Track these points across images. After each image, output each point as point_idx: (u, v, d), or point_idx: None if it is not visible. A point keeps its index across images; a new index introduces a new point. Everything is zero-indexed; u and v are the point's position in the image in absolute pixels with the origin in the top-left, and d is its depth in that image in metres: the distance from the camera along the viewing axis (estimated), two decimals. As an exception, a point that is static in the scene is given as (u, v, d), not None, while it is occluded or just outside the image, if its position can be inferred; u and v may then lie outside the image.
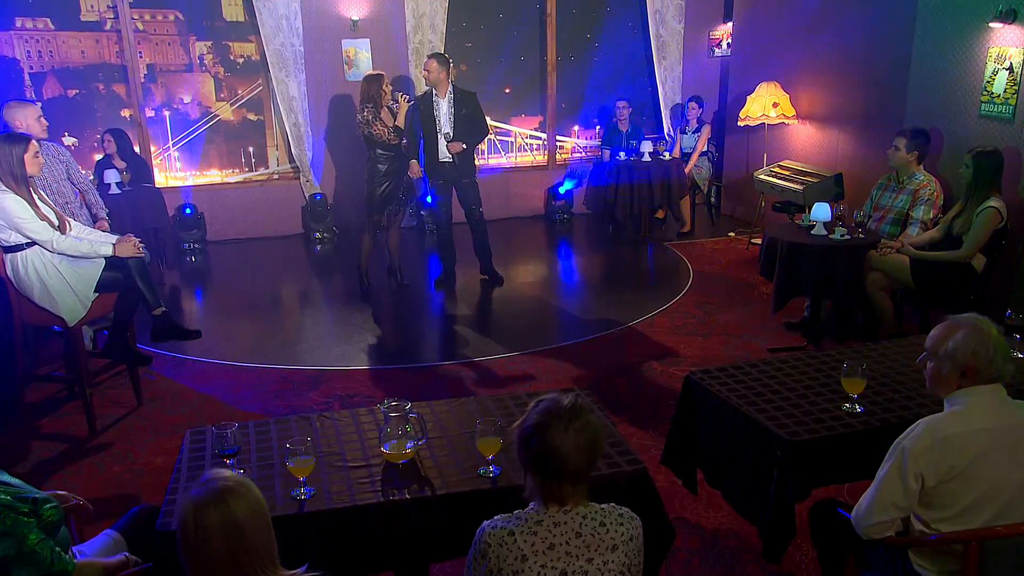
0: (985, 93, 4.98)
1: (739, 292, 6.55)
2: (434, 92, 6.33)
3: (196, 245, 8.24)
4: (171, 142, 8.49)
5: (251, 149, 8.80)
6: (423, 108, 6.34)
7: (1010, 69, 4.78)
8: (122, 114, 8.26)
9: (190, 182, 8.58)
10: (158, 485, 3.80)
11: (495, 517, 1.94)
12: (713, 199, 9.15)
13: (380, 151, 6.23)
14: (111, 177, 6.68)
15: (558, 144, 9.58)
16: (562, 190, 9.28)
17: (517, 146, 9.55)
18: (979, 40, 5.09)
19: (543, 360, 5.29)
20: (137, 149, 7.63)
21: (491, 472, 2.49)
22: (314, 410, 4.62)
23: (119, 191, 6.66)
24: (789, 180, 7.13)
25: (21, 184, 3.95)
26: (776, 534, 2.69)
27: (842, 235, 4.96)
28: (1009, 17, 4.72)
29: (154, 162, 8.28)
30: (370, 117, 6.12)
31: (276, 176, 8.86)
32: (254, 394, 4.88)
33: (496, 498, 2.42)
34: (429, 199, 7.09)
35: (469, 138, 6.38)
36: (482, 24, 9.06)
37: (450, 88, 6.33)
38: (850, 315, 5.45)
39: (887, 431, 2.56)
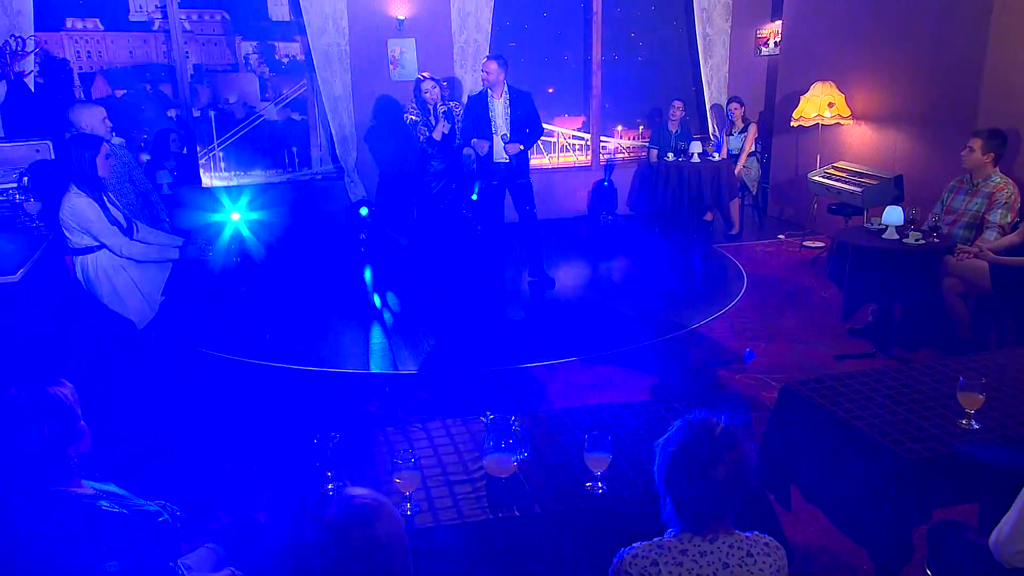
0: (1068, 93, 4.83)
1: (797, 296, 6.41)
2: (489, 92, 6.25)
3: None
4: (216, 142, 8.48)
5: (294, 149, 8.77)
6: (477, 108, 6.26)
7: (1096, 69, 4.63)
8: (168, 114, 8.25)
9: (235, 182, 8.56)
10: (235, 488, 3.77)
11: (633, 545, 1.85)
12: (759, 201, 9.01)
13: (432, 150, 6.17)
14: (162, 178, 6.67)
15: (601, 144, 9.48)
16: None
17: (559, 146, 9.46)
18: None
19: (605, 365, 5.19)
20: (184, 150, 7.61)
21: (600, 488, 2.41)
22: (376, 415, 4.57)
23: (170, 192, 6.64)
24: (846, 182, 6.98)
25: (93, 187, 3.92)
26: (891, 557, 2.58)
27: (916, 239, 4.82)
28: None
29: (199, 162, 8.27)
30: (415, 119, 6.06)
31: (319, 177, 8.82)
32: (321, 397, 4.83)
33: (606, 516, 2.34)
34: (474, 197, 7.00)
35: (525, 139, 6.29)
36: (526, 23, 8.98)
37: (506, 88, 6.25)
38: (917, 321, 5.31)
39: (1009, 448, 2.45)
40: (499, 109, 6.24)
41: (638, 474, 2.49)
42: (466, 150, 6.85)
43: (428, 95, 6.05)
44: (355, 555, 1.60)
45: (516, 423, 2.51)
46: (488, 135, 6.25)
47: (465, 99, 8.54)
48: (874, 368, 3.23)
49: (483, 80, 6.24)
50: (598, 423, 2.81)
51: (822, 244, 7.66)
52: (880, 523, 2.59)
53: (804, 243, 7.76)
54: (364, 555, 1.60)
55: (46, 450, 1.84)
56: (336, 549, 1.61)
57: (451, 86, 8.53)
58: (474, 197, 7.03)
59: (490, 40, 8.57)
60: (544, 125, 9.14)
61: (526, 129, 6.29)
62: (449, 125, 6.15)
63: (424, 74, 6.17)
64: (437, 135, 6.01)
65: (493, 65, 6.17)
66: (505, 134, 6.21)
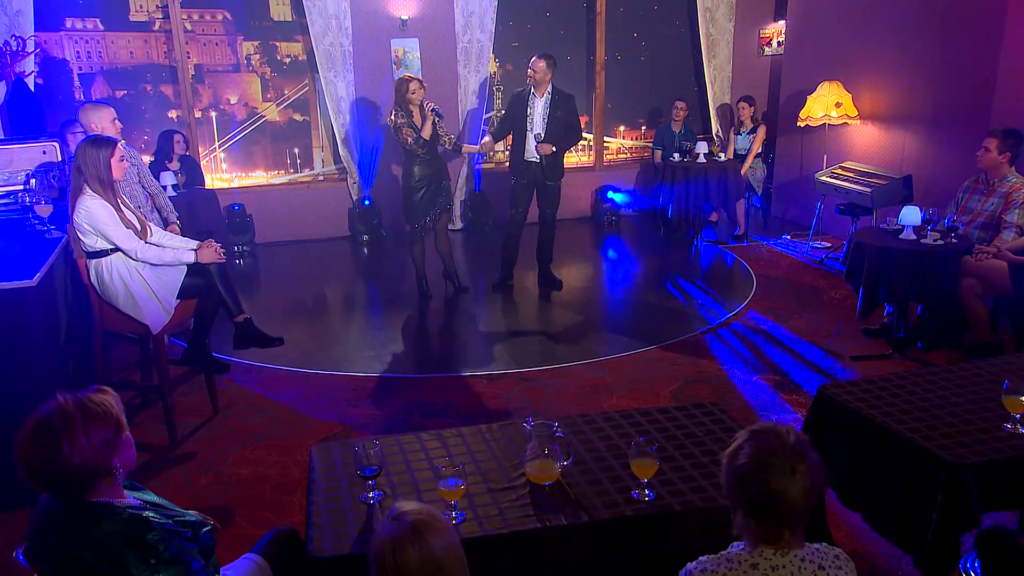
0: (1086, 93, 4.82)
1: (808, 297, 6.39)
2: (532, 91, 6.19)
3: (245, 248, 8.14)
4: (217, 143, 8.40)
5: (296, 150, 8.70)
6: (517, 105, 6.22)
7: (1115, 68, 4.62)
8: (169, 115, 8.17)
9: (236, 184, 8.49)
10: (250, 498, 3.71)
11: (700, 559, 1.80)
12: (764, 201, 8.99)
13: (416, 154, 6.07)
14: (167, 179, 6.59)
15: (604, 145, 9.44)
16: (617, 198, 9.11)
17: (563, 147, 9.40)
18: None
19: (619, 368, 5.15)
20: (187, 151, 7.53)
21: (646, 496, 2.36)
22: (394, 420, 4.51)
23: (175, 193, 6.56)
24: (854, 182, 6.97)
25: (108, 189, 3.84)
26: (937, 564, 2.54)
27: (935, 240, 4.80)
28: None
29: (201, 163, 8.18)
30: (400, 122, 5.97)
31: (321, 178, 8.76)
32: (329, 403, 4.76)
33: (657, 525, 2.29)
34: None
35: (561, 141, 6.23)
36: (529, 23, 8.94)
37: (550, 88, 6.19)
38: (934, 322, 5.29)
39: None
40: (539, 108, 6.17)
41: (683, 481, 2.44)
42: (465, 148, 6.82)
43: (414, 95, 5.95)
44: (411, 570, 1.56)
45: (559, 429, 2.45)
46: (521, 132, 6.19)
47: (462, 100, 8.51)
48: (909, 371, 3.18)
49: (530, 78, 6.17)
50: (635, 427, 2.77)
51: (829, 244, 7.65)
52: (926, 529, 2.55)
53: (811, 244, 7.74)
54: (420, 569, 1.56)
55: (92, 461, 1.77)
56: (395, 566, 1.56)
57: (454, 85, 8.48)
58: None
59: (494, 40, 8.53)
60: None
61: (562, 131, 6.21)
62: (432, 128, 6.07)
63: (408, 75, 6.07)
64: (427, 133, 5.94)
65: (541, 64, 6.09)
66: (539, 133, 6.14)
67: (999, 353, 4.69)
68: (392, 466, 2.55)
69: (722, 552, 1.80)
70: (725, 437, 2.69)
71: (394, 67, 8.39)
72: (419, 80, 6.04)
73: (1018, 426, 2.64)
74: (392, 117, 6.00)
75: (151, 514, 1.89)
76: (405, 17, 8.29)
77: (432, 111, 5.98)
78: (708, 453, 2.59)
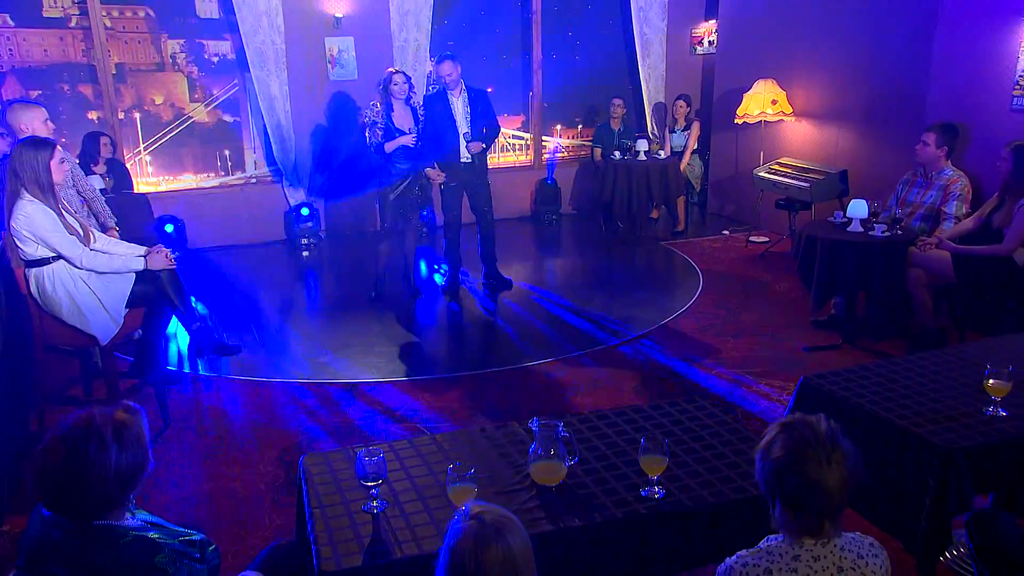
0: (1018, 87, 5.05)
1: (755, 291, 6.51)
2: (448, 92, 6.09)
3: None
4: (142, 145, 8.03)
5: (227, 152, 8.39)
6: (438, 108, 6.10)
7: (1045, 64, 4.86)
8: (89, 116, 7.76)
9: (163, 187, 8.12)
10: (218, 514, 3.53)
11: (739, 553, 1.77)
12: (701, 197, 9.15)
13: (379, 156, 5.95)
14: (94, 184, 6.22)
15: (542, 143, 9.44)
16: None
17: (500, 146, 9.36)
18: (1011, 34, 5.13)
19: (582, 366, 5.13)
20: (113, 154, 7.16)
21: (656, 494, 2.33)
22: (356, 427, 4.37)
23: (103, 198, 6.21)
24: (792, 178, 7.14)
25: (48, 193, 3.59)
26: (930, 548, 2.59)
27: (883, 232, 4.95)
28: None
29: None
30: (377, 121, 5.85)
31: (255, 180, 8.47)
32: (285, 412, 4.57)
33: (671, 522, 2.26)
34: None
35: (485, 137, 6.17)
36: (464, 22, 8.85)
37: (463, 86, 6.11)
38: (880, 311, 5.46)
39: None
40: (460, 108, 6.10)
41: (689, 476, 2.42)
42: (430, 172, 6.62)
43: (398, 88, 5.84)
44: (491, 569, 1.50)
45: (565, 429, 2.39)
46: (453, 135, 6.08)
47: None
48: (886, 360, 3.24)
49: (447, 81, 6.06)
50: (631, 424, 2.74)
51: (767, 239, 7.83)
52: (919, 514, 2.60)
53: (750, 238, 7.90)
54: (499, 568, 1.51)
55: (118, 487, 1.64)
56: (475, 565, 1.50)
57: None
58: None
59: (430, 39, 8.42)
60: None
61: (484, 128, 6.16)
62: (416, 128, 5.97)
63: (393, 68, 5.95)
64: (410, 142, 5.85)
65: (448, 65, 6.00)
66: (467, 132, 6.07)
67: (943, 340, 4.86)
68: (390, 473, 2.44)
69: (760, 545, 1.78)
70: (723, 431, 2.69)
71: (329, 67, 8.19)
72: (403, 74, 5.93)
73: (999, 410, 2.71)
74: (370, 114, 5.86)
75: (156, 535, 1.75)
76: (339, 15, 8.09)
77: (412, 108, 5.92)
78: (709, 448, 2.57)
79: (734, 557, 1.77)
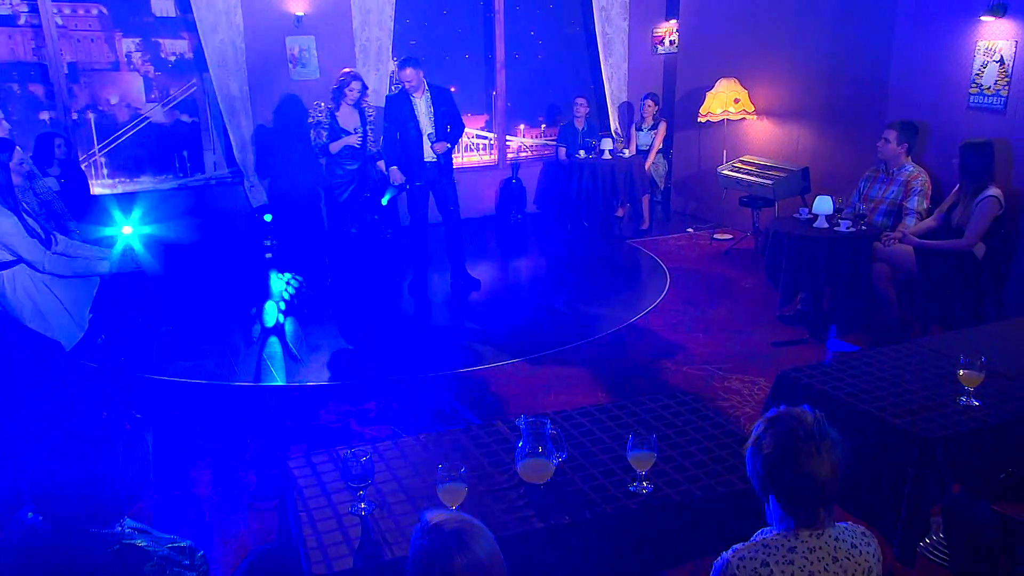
0: (974, 85, 5.17)
1: (722, 288, 6.57)
2: (410, 92, 6.05)
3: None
4: (97, 147, 7.83)
5: (185, 153, 8.22)
6: (401, 109, 6.05)
7: (1000, 61, 4.97)
8: (40, 117, 7.54)
9: (119, 189, 7.93)
10: (191, 522, 3.44)
11: (734, 547, 1.77)
12: (665, 195, 9.23)
13: (324, 157, 5.91)
14: (51, 186, 6.05)
15: (506, 143, 9.43)
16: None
17: (464, 146, 9.32)
18: (967, 33, 5.26)
19: (551, 365, 5.12)
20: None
21: (644, 489, 2.33)
22: (330, 429, 4.31)
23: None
24: (756, 175, 7.23)
25: (7, 195, 3.47)
26: (909, 537, 2.63)
27: (848, 227, 5.04)
28: (1000, 11, 4.92)
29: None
30: (323, 121, 5.81)
31: (214, 182, 8.31)
32: (255, 416, 4.50)
33: (660, 516, 2.26)
34: (384, 201, 6.74)
35: (449, 136, 6.14)
36: (427, 21, 8.81)
37: (426, 86, 6.08)
38: (844, 306, 5.55)
39: (1014, 424, 2.56)
40: (422, 108, 6.06)
41: (676, 471, 2.42)
42: (380, 165, 6.59)
43: (352, 93, 5.78)
44: None
45: (552, 427, 2.38)
46: (416, 136, 6.03)
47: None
48: (860, 353, 3.30)
49: (408, 87, 6.02)
50: (614, 421, 2.74)
51: (731, 236, 7.92)
52: (899, 504, 2.64)
53: (714, 236, 7.99)
54: None
55: (123, 491, 1.59)
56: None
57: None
58: (384, 202, 6.77)
59: (393, 38, 8.35)
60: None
61: (448, 127, 6.13)
62: (362, 129, 5.92)
63: (348, 69, 5.87)
64: (355, 141, 5.79)
65: (409, 71, 5.95)
66: (431, 133, 6.04)
67: (906, 333, 4.97)
68: (376, 475, 2.40)
69: (755, 539, 1.78)
70: (706, 426, 2.70)
71: (291, 66, 8.07)
72: (361, 80, 5.89)
73: (972, 399, 2.77)
74: (317, 115, 5.79)
75: (143, 542, 1.70)
76: (299, 14, 7.97)
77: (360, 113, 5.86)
78: (693, 442, 2.58)
79: (730, 551, 1.77)
